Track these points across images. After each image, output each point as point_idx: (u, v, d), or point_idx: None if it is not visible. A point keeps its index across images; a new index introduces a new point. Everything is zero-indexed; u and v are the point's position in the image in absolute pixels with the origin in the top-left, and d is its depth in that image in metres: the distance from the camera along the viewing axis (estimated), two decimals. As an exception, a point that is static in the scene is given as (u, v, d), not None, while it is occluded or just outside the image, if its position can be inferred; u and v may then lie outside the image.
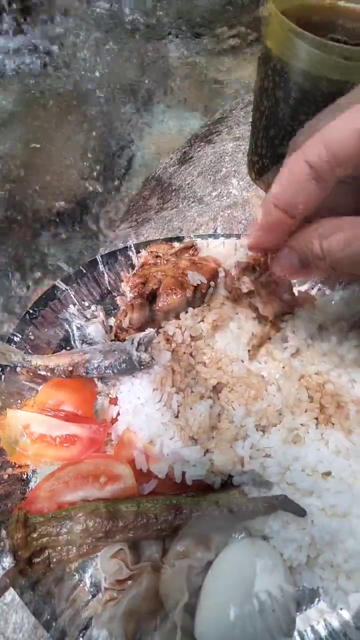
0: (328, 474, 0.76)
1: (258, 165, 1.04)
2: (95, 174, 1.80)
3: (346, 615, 0.69)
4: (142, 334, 0.79)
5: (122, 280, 0.95)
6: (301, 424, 0.80)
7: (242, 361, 0.87)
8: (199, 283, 0.86)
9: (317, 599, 0.71)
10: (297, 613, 0.69)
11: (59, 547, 0.69)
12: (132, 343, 0.79)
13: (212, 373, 0.83)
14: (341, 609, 0.70)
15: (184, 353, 0.84)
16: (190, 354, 0.84)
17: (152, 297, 0.85)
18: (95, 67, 2.20)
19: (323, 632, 0.69)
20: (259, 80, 0.91)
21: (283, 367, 0.87)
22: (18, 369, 0.82)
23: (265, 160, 1.01)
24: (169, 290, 0.84)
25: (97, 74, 2.15)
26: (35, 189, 1.72)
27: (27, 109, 2.03)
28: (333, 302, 0.94)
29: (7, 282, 1.47)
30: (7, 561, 0.70)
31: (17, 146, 1.86)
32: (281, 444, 0.79)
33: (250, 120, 1.20)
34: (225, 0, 2.41)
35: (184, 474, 0.74)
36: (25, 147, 1.86)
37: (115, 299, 0.95)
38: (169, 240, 0.97)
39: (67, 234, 1.62)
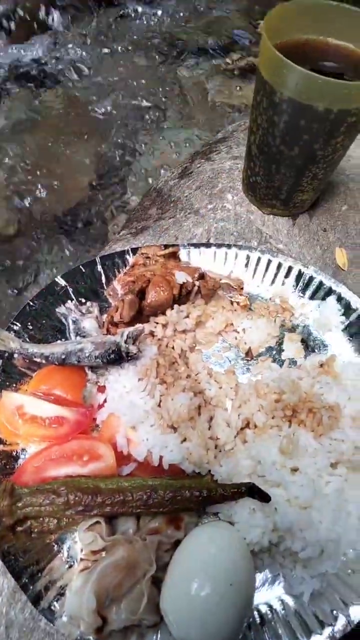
0: (296, 469, 0.82)
1: (251, 182, 1.13)
2: (98, 184, 1.90)
3: (301, 598, 0.75)
4: (131, 328, 0.86)
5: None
6: (276, 425, 0.87)
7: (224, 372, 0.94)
8: (185, 281, 0.93)
9: (277, 582, 0.77)
10: (257, 591, 0.74)
11: (41, 518, 0.75)
12: (122, 336, 0.85)
13: (199, 378, 0.91)
14: (297, 594, 0.75)
15: (167, 346, 0.91)
16: (173, 348, 0.92)
17: (141, 295, 0.92)
18: (106, 81, 2.29)
19: (280, 610, 0.74)
20: (254, 104, 0.99)
21: (259, 377, 0.94)
22: (15, 356, 0.89)
23: (257, 178, 1.09)
24: (157, 288, 0.91)
25: (106, 87, 2.24)
26: (40, 196, 1.82)
27: (38, 120, 2.12)
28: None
29: (7, 282, 1.56)
30: (-7, 528, 0.76)
31: (26, 155, 1.95)
32: (255, 441, 0.85)
33: (249, 141, 1.28)
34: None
35: (161, 458, 0.80)
36: (35, 156, 1.96)
37: (108, 296, 1.01)
38: (165, 246, 1.04)
39: (70, 238, 1.71)
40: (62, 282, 0.98)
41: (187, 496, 0.76)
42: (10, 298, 1.54)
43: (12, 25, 2.47)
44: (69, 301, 0.96)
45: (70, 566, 0.76)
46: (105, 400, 0.86)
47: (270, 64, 0.87)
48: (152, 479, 0.78)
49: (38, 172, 1.88)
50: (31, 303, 0.94)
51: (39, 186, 1.85)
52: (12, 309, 1.52)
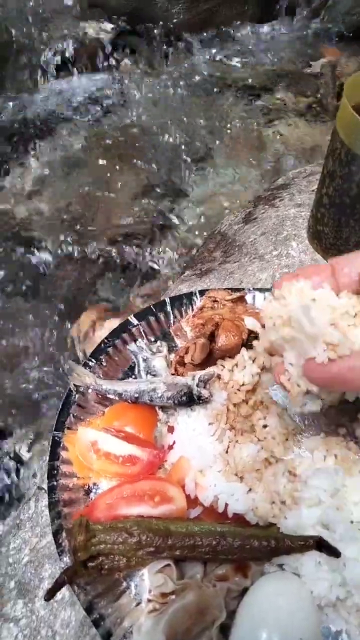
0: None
1: (317, 230, 1.16)
2: (146, 222, 1.94)
3: (368, 659, 0.74)
4: (203, 372, 0.89)
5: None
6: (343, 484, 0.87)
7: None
8: (254, 327, 0.96)
9: (339, 638, 0.77)
10: (323, 648, 0.74)
11: (112, 555, 0.77)
12: (194, 379, 0.88)
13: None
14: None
15: (236, 392, 0.93)
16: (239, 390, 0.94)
17: (210, 337, 0.95)
18: (158, 117, 2.36)
19: (345, 670, 0.74)
20: (329, 158, 1.02)
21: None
22: (89, 391, 0.93)
23: (325, 228, 1.12)
24: (228, 332, 0.94)
25: (158, 123, 2.31)
26: (87, 232, 1.87)
27: (90, 155, 2.20)
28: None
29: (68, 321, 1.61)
30: (65, 560, 0.79)
31: (81, 190, 2.02)
32: (320, 496, 0.85)
33: (311, 189, 1.33)
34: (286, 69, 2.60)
35: (226, 505, 0.82)
36: (88, 191, 2.03)
37: (175, 336, 1.04)
38: (230, 289, 1.07)
39: (120, 276, 1.76)
40: (135, 321, 1.02)
41: (255, 545, 0.77)
42: (63, 334, 1.59)
43: (74, 60, 2.57)
44: (140, 339, 1.00)
45: (138, 604, 0.78)
46: (174, 442, 0.88)
47: (349, 126, 0.91)
48: (220, 525, 0.80)
49: (83, 210, 1.94)
50: (106, 340, 0.99)
51: (86, 222, 1.91)
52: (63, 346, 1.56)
